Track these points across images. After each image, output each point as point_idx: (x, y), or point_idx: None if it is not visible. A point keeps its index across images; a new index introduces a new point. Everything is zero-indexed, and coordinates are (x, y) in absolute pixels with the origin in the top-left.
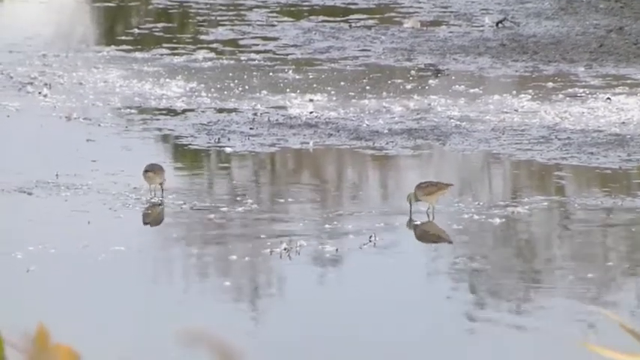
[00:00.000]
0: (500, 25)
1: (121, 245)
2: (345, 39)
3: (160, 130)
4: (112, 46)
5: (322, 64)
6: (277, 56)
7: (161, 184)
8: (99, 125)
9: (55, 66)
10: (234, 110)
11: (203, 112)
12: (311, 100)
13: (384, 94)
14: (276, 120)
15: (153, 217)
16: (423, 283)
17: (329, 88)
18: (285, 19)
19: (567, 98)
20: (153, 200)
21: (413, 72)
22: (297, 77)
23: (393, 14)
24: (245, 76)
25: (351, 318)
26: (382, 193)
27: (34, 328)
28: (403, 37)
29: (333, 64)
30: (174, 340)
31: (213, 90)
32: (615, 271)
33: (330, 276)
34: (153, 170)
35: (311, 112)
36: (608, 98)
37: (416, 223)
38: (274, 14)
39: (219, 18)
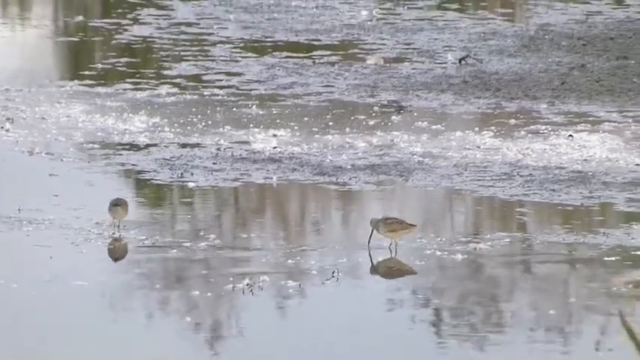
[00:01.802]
0: (462, 62)
1: (84, 280)
2: (309, 75)
3: (122, 165)
4: (75, 81)
5: (286, 100)
6: (241, 92)
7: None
8: (61, 160)
9: (18, 100)
10: (198, 145)
11: (166, 147)
12: (274, 136)
13: (348, 129)
14: (240, 155)
15: (115, 252)
16: (385, 319)
17: (292, 124)
18: (249, 54)
19: (529, 135)
20: (115, 235)
21: (376, 108)
22: (261, 112)
23: (356, 51)
24: (208, 112)
25: (314, 354)
26: (345, 229)
27: None
28: (366, 73)
29: (296, 100)
30: None
31: (176, 125)
32: (577, 308)
33: (293, 312)
34: (121, 205)
35: (274, 148)
36: (570, 135)
37: (379, 259)
38: (238, 50)
39: (182, 53)
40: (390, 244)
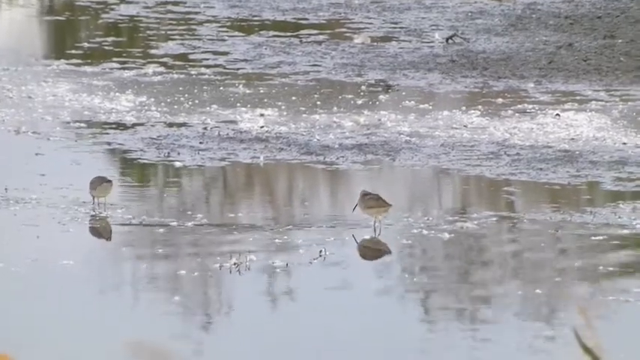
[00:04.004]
0: (450, 41)
1: (70, 259)
2: (296, 54)
3: (109, 144)
4: (62, 60)
5: (273, 79)
6: (228, 71)
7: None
8: (48, 139)
9: (5, 80)
10: (184, 124)
11: (153, 126)
12: (262, 115)
13: (335, 109)
14: (227, 134)
15: (102, 231)
16: (372, 296)
17: (280, 103)
18: (236, 33)
19: (517, 114)
20: (102, 214)
21: (363, 87)
22: (248, 92)
23: (343, 30)
24: (195, 91)
25: (301, 332)
26: (332, 208)
27: None
28: (353, 52)
29: (283, 79)
30: (122, 353)
31: (163, 104)
32: (563, 286)
33: (280, 290)
34: (108, 182)
35: (262, 127)
36: (557, 114)
37: (365, 237)
38: (225, 29)
39: (169, 32)
40: (375, 222)
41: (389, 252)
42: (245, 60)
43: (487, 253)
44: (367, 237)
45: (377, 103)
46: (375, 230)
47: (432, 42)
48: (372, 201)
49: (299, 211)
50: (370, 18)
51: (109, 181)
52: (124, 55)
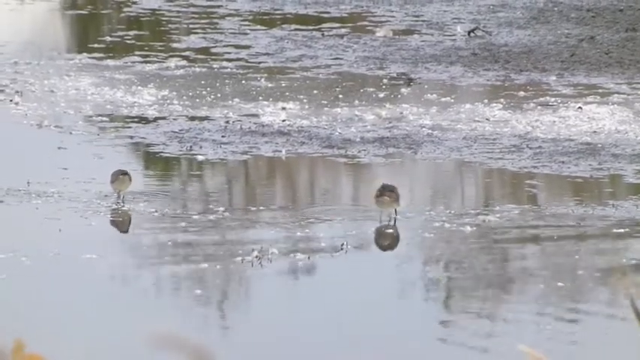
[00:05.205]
0: (472, 34)
1: (93, 253)
2: (318, 47)
3: (131, 137)
4: (84, 54)
5: (295, 73)
6: (249, 64)
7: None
8: (70, 133)
9: (27, 73)
10: (206, 118)
11: (175, 119)
12: (283, 109)
13: (357, 102)
14: (249, 128)
15: (124, 224)
16: (394, 290)
17: (301, 97)
18: (258, 27)
19: (539, 107)
20: (124, 208)
21: (385, 81)
22: (270, 85)
23: (365, 23)
24: (217, 84)
25: (323, 326)
26: (354, 201)
27: (10, 340)
28: (375, 45)
29: (305, 73)
30: (145, 343)
31: (185, 98)
32: (586, 280)
33: (302, 284)
34: (128, 174)
35: (283, 120)
36: (580, 107)
37: (388, 230)
38: (247, 22)
39: (191, 26)
40: (392, 215)
41: (411, 245)
42: (267, 53)
43: (509, 246)
44: (390, 231)
45: (399, 96)
46: (393, 221)
47: (454, 35)
48: (384, 195)
49: (320, 205)
50: (392, 11)
51: (126, 174)
52: (146, 48)
